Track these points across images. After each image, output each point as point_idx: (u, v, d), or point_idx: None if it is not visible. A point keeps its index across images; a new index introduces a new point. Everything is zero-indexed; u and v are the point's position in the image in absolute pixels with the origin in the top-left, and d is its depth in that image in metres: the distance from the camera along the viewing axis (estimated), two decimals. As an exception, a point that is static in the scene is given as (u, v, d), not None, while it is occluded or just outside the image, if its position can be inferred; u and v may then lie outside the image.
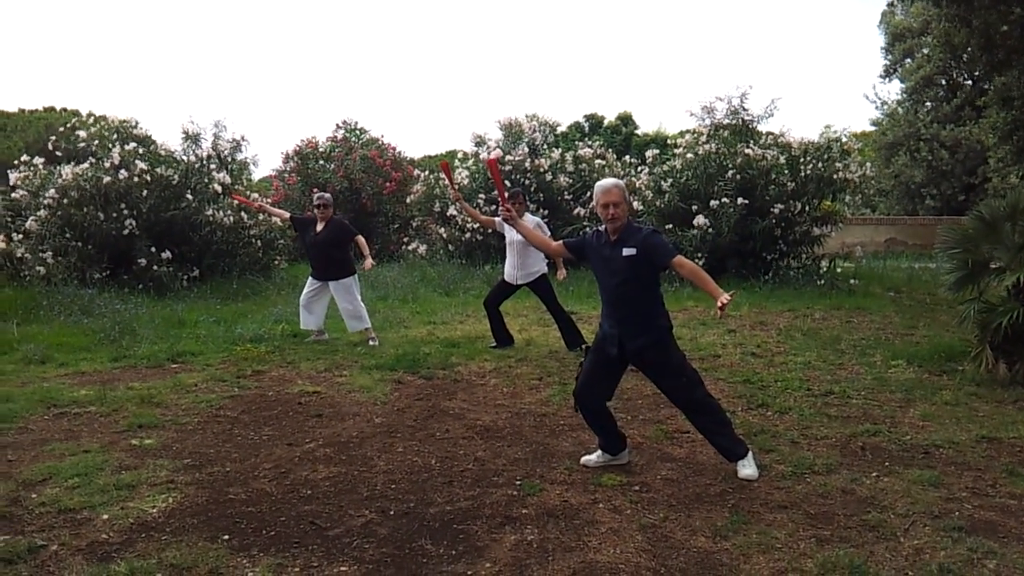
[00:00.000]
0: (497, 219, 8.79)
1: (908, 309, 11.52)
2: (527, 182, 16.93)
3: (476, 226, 16.81)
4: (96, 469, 4.83)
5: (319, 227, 8.91)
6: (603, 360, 4.77)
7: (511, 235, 8.44)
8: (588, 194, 17.12)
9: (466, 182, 17.51)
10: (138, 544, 3.81)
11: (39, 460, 5.02)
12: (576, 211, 16.89)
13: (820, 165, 14.28)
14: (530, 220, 8.36)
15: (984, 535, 3.84)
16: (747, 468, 4.67)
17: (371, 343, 8.83)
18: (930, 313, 11.08)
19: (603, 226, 4.74)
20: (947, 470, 4.79)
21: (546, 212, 16.58)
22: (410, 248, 19.27)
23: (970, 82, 29.07)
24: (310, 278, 9.09)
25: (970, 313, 7.26)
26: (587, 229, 15.08)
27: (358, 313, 8.95)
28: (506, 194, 5.83)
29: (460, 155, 20.64)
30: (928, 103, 31.06)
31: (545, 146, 18.37)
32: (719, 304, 4.28)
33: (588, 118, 38.01)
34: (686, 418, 4.91)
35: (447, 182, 9.00)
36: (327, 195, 9.14)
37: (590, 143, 19.56)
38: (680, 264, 4.49)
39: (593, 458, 4.94)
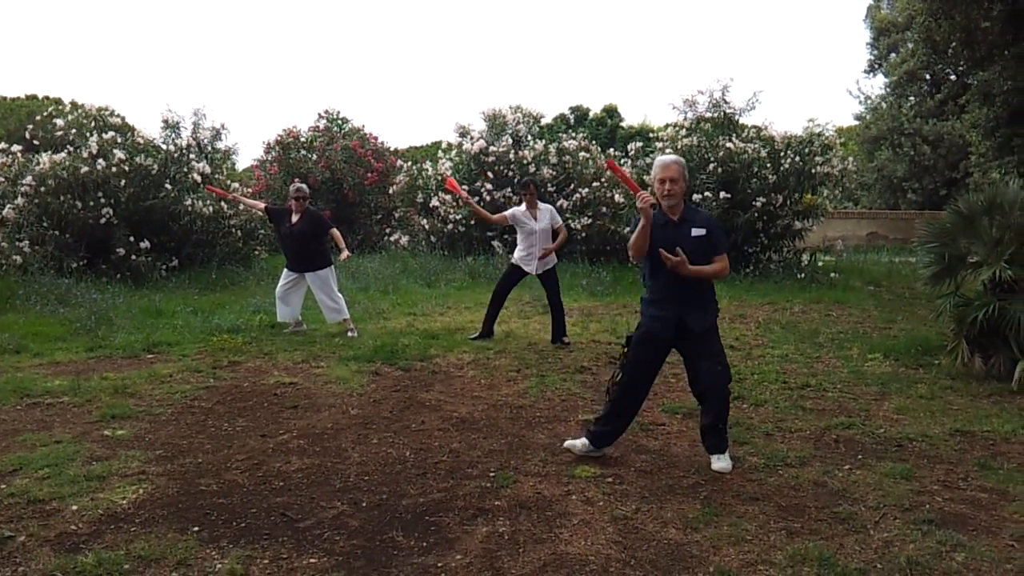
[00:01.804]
0: (508, 212, 8.73)
1: (887, 303, 11.59)
2: (510, 174, 16.91)
3: (459, 217, 16.78)
4: (67, 460, 4.78)
5: (295, 218, 8.86)
6: (655, 350, 4.76)
7: (532, 224, 8.43)
8: (572, 186, 17.14)
9: (449, 173, 17.49)
10: (107, 535, 3.77)
11: (10, 450, 4.96)
12: (560, 203, 16.88)
13: (800, 159, 14.33)
14: (544, 208, 8.50)
15: (954, 528, 3.85)
16: (722, 461, 4.68)
17: (349, 334, 8.79)
18: (908, 307, 11.15)
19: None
20: (919, 463, 4.81)
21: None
22: (392, 239, 19.22)
23: (953, 77, 29.25)
24: (285, 270, 9.03)
25: (946, 307, 7.32)
26: (570, 222, 15.07)
27: (336, 304, 8.90)
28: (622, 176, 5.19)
29: (444, 145, 20.57)
30: (911, 98, 31.28)
31: (529, 138, 18.33)
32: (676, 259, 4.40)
33: (573, 110, 38.04)
34: (701, 404, 4.83)
35: (460, 196, 8.93)
36: (305, 187, 9.10)
37: (575, 135, 19.53)
38: (722, 259, 4.64)
39: (578, 444, 4.88)
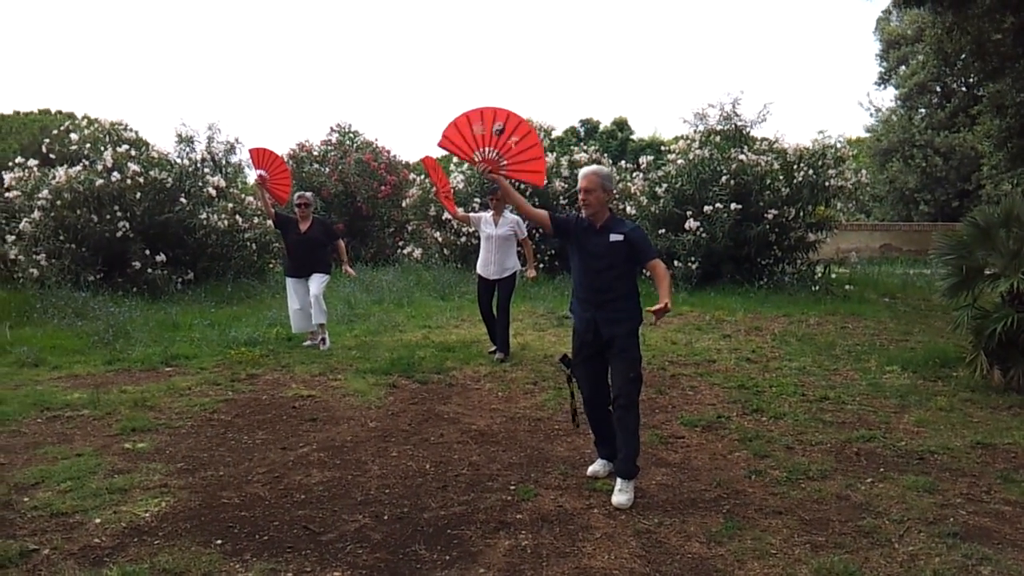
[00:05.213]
0: (472, 215, 8.83)
1: (903, 315, 11.54)
2: (521, 186, 16.93)
3: (472, 230, 16.81)
4: (89, 473, 4.81)
5: (303, 226, 8.95)
6: (588, 353, 4.72)
7: (490, 230, 8.46)
8: (583, 198, 17.12)
9: (461, 186, 17.53)
10: (130, 548, 3.79)
11: (31, 463, 4.99)
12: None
13: (813, 172, 14.31)
14: (509, 218, 8.48)
15: (979, 541, 3.83)
16: (623, 494, 4.43)
17: (323, 346, 8.81)
18: (925, 319, 11.10)
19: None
20: (942, 476, 4.79)
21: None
22: (405, 252, 19.26)
23: (964, 89, 29.19)
24: (290, 280, 9.11)
25: (964, 319, 7.28)
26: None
27: (324, 308, 8.97)
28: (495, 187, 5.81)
29: (455, 159, 20.63)
30: (922, 109, 31.22)
31: (540, 150, 18.32)
32: (656, 309, 4.29)
33: (584, 123, 38.07)
34: (615, 414, 4.63)
35: (434, 180, 9.03)
36: (308, 194, 9.23)
37: (585, 148, 19.56)
38: (655, 266, 4.57)
39: (600, 468, 4.86)
